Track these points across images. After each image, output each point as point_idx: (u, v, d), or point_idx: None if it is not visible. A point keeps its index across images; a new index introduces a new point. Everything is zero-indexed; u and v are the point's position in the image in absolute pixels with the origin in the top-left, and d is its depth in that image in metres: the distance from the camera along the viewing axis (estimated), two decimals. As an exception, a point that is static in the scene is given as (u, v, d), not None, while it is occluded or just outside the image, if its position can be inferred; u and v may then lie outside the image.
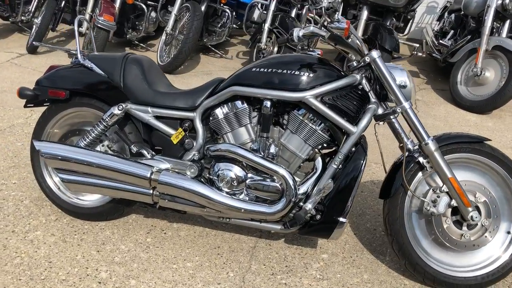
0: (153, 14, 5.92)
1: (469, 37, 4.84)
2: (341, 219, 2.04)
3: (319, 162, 2.19)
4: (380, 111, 2.12)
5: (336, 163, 2.09)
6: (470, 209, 2.04)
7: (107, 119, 2.24)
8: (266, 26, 4.81)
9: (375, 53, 2.03)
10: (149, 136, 2.32)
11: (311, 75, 2.06)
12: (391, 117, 2.10)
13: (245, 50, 6.24)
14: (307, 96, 2.04)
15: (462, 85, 4.59)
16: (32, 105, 2.45)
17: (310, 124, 2.10)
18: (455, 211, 2.11)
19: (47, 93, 2.36)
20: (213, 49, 5.78)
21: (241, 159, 2.11)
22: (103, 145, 2.35)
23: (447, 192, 2.06)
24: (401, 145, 2.18)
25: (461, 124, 4.29)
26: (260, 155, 2.11)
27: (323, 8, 1.91)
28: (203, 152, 2.24)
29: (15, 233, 2.38)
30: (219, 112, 2.21)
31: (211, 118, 2.24)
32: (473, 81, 4.50)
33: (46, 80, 2.37)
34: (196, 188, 2.09)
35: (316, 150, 2.18)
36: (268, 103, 2.11)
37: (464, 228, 2.11)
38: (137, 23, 5.70)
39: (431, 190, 2.11)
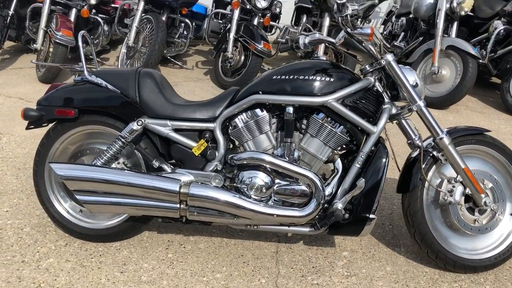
0: (105, 27, 5.76)
1: (421, 38, 5.18)
2: (370, 216, 2.13)
3: (338, 163, 2.27)
4: (393, 110, 2.24)
5: (359, 162, 2.18)
6: (483, 195, 2.21)
7: (126, 136, 2.19)
8: (231, 35, 4.86)
9: (390, 56, 2.15)
10: (167, 150, 2.29)
11: (331, 79, 2.14)
12: (406, 115, 2.23)
13: (203, 60, 6.24)
14: (330, 100, 2.12)
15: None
16: (33, 126, 2.33)
17: (330, 127, 2.18)
18: (466, 198, 2.28)
19: (53, 113, 2.25)
20: (173, 60, 5.73)
21: (269, 165, 2.15)
22: (118, 163, 2.28)
23: (461, 182, 2.23)
24: (410, 141, 2.32)
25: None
26: (287, 161, 2.16)
27: (347, 15, 2.00)
28: (224, 162, 2.25)
29: (26, 263, 2.24)
30: (239, 121, 2.24)
31: (230, 127, 2.25)
32: (430, 79, 4.82)
33: (51, 100, 2.26)
34: (228, 198, 2.10)
35: (335, 151, 2.27)
36: (291, 109, 2.16)
37: (476, 213, 2.28)
38: (92, 37, 5.51)
39: (445, 181, 2.26)
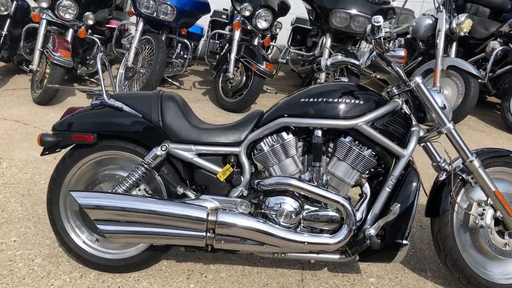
0: (100, 48, 5.67)
1: (420, 58, 5.22)
2: (403, 241, 2.08)
3: (366, 187, 2.22)
4: (421, 133, 2.21)
5: (389, 186, 2.13)
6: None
7: (149, 162, 2.10)
8: (233, 55, 4.82)
9: (419, 79, 2.12)
10: (189, 175, 2.21)
11: (360, 102, 2.10)
12: (434, 138, 2.20)
13: (200, 80, 6.18)
14: (360, 123, 2.07)
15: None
16: (47, 152, 2.23)
17: (358, 150, 2.13)
18: (496, 221, 2.24)
19: (71, 138, 2.15)
20: (170, 80, 5.66)
21: (299, 191, 2.08)
22: (139, 189, 2.19)
23: (491, 205, 2.19)
24: (435, 164, 2.29)
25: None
26: (318, 186, 2.10)
27: (381, 38, 1.97)
28: (249, 187, 2.18)
29: (41, 297, 2.11)
30: (265, 144, 2.17)
31: (255, 151, 2.19)
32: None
33: (69, 124, 2.16)
34: (258, 226, 2.02)
35: (363, 175, 2.21)
36: (319, 132, 2.11)
37: (506, 237, 2.24)
38: (88, 57, 5.42)
39: (474, 204, 2.22)
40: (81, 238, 2.28)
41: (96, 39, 5.27)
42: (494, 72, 4.98)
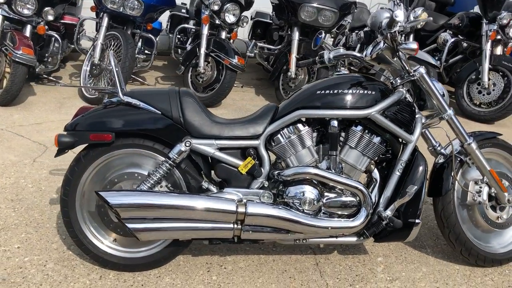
0: (56, 44, 5.44)
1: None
2: (416, 220, 2.24)
3: (376, 173, 2.36)
4: (423, 119, 2.38)
5: (399, 171, 2.28)
6: (506, 193, 2.41)
7: (174, 158, 2.11)
8: (202, 50, 4.81)
9: (422, 69, 2.29)
10: (208, 169, 2.24)
11: (372, 92, 2.23)
12: (435, 124, 2.38)
13: (162, 75, 6.09)
14: (373, 112, 2.21)
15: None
16: (62, 153, 2.17)
17: (369, 138, 2.26)
18: (489, 197, 2.47)
19: (87, 138, 2.11)
20: (133, 76, 5.53)
21: (320, 179, 2.18)
22: (161, 186, 2.19)
23: (486, 183, 2.41)
24: (431, 148, 2.48)
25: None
26: (337, 173, 2.21)
27: (396, 32, 2.10)
28: (267, 178, 2.25)
29: (65, 302, 2.07)
30: (282, 136, 2.25)
31: (273, 143, 2.26)
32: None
33: (85, 124, 2.11)
34: (286, 215, 2.10)
35: (372, 161, 2.35)
36: (336, 123, 2.22)
37: (498, 211, 2.48)
38: (46, 55, 5.17)
39: (471, 183, 2.43)
40: (99, 239, 2.24)
41: (56, 36, 5.05)
42: (447, 62, 5.35)
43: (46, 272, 2.24)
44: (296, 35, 4.90)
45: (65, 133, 2.12)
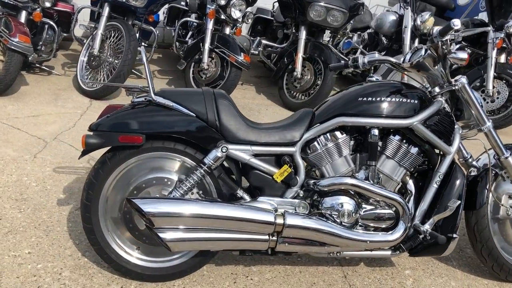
0: (49, 32, 5.19)
1: (383, 53, 5.44)
2: (454, 235, 2.17)
3: (411, 184, 2.28)
4: (460, 131, 2.31)
5: (437, 183, 2.21)
6: (540, 209, 2.37)
7: (210, 164, 1.98)
8: (207, 46, 4.66)
9: (464, 80, 2.21)
10: (240, 176, 2.12)
11: (414, 101, 2.15)
12: (473, 136, 2.32)
13: (159, 69, 5.90)
14: (415, 122, 2.12)
15: (389, 96, 5.16)
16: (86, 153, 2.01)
17: (406, 148, 2.18)
18: (519, 212, 2.43)
19: (116, 140, 1.96)
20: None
21: (360, 190, 2.08)
22: (192, 193, 2.05)
23: (521, 197, 2.37)
24: (461, 160, 2.42)
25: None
26: (377, 185, 2.12)
27: (448, 40, 2.02)
28: (302, 187, 2.14)
29: (87, 315, 1.92)
30: (319, 144, 2.15)
31: (309, 151, 2.16)
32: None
33: (113, 124, 1.97)
34: (326, 228, 2.00)
35: (408, 173, 2.27)
36: (376, 131, 2.13)
37: (529, 225, 2.44)
38: (40, 43, 4.93)
39: (504, 196, 2.38)
40: (122, 248, 2.10)
41: (52, 23, 4.81)
42: (451, 68, 5.34)
43: (62, 281, 2.09)
44: (303, 34, 4.80)
45: (92, 133, 1.96)
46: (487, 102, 5.01)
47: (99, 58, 4.58)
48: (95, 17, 5.27)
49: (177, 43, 5.26)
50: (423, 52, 2.18)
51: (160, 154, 2.05)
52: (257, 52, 5.34)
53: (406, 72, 2.42)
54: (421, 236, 2.16)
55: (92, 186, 2.02)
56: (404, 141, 2.20)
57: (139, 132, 1.97)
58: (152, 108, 2.02)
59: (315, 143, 2.15)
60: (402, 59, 2.32)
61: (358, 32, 5.92)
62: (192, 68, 4.89)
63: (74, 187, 2.89)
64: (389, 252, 2.21)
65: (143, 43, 5.36)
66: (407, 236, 2.17)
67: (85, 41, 4.96)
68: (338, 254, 2.17)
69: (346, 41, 5.35)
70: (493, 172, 2.35)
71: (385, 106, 2.12)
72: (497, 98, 4.91)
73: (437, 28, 2.07)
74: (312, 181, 2.12)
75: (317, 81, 4.79)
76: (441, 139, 2.19)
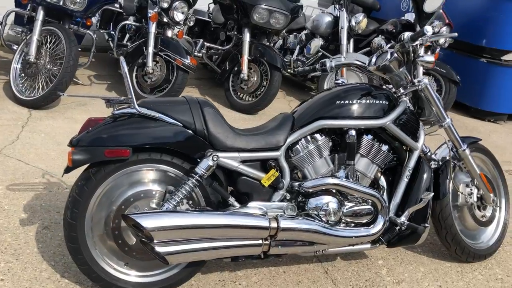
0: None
1: (319, 54, 5.66)
2: (426, 224, 2.34)
3: (383, 180, 2.42)
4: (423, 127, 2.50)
5: (407, 177, 2.37)
6: (491, 194, 2.63)
7: (202, 173, 1.97)
8: (150, 49, 4.55)
9: (426, 80, 2.39)
10: (228, 183, 2.14)
11: (385, 102, 2.30)
12: (434, 131, 2.51)
13: (94, 74, 5.65)
14: (388, 122, 2.27)
15: (330, 94, 5.38)
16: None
17: (378, 146, 2.33)
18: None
19: (102, 154, 1.89)
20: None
21: (343, 189, 2.19)
22: (182, 203, 2.03)
23: (475, 185, 2.61)
24: (421, 154, 2.62)
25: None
26: (357, 183, 2.23)
27: (418, 45, 2.18)
28: (287, 190, 2.21)
29: None
30: (301, 147, 2.22)
31: (292, 154, 2.22)
32: (338, 90, 5.33)
33: (97, 138, 1.89)
34: (318, 228, 2.08)
35: (380, 169, 2.41)
36: (353, 132, 2.25)
37: (482, 210, 2.69)
38: (-36, 49, 4.54)
39: (461, 185, 2.61)
40: (111, 265, 2.03)
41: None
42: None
43: (47, 307, 1.98)
44: (247, 37, 4.85)
45: (75, 149, 1.87)
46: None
47: (36, 66, 4.31)
48: (24, 21, 4.94)
49: (116, 48, 5.07)
50: (388, 56, 2.32)
51: (147, 166, 2.01)
52: (200, 55, 5.31)
53: (370, 75, 2.58)
54: (397, 228, 2.31)
55: (77, 203, 1.93)
56: (376, 140, 2.34)
57: (125, 145, 1.91)
58: (137, 119, 1.97)
59: (297, 146, 2.22)
60: (367, 62, 2.46)
61: (294, 33, 6.08)
62: (135, 72, 4.76)
63: (34, 204, 2.72)
64: (369, 245, 2.34)
65: (93, 50, 5.10)
66: (385, 229, 2.31)
67: (14, 47, 4.64)
68: (323, 251, 2.25)
69: (308, 45, 5.50)
70: (452, 164, 2.57)
71: (361, 108, 2.24)
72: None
73: (408, 34, 2.22)
74: (297, 183, 2.19)
75: (263, 83, 4.87)
76: (409, 136, 2.35)
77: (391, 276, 2.49)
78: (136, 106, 1.95)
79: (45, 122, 4.01)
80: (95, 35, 4.89)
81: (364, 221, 2.27)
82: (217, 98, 5.42)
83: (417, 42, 2.20)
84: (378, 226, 2.24)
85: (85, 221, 1.95)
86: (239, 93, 5.06)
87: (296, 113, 2.29)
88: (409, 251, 2.76)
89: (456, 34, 2.26)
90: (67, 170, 1.91)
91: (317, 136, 2.24)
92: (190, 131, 2.00)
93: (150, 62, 4.57)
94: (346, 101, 2.24)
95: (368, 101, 2.26)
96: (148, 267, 2.09)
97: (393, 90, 2.45)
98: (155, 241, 1.81)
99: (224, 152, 2.05)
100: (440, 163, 2.57)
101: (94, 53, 4.90)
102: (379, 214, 2.26)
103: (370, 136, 2.32)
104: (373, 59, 2.42)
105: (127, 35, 5.43)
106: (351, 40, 5.48)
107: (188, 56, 4.53)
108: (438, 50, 5.57)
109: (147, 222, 1.77)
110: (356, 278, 2.44)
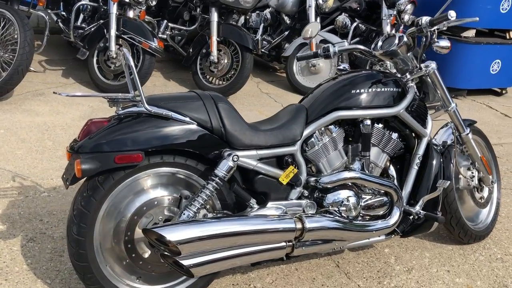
0: None
1: (286, 33, 5.52)
2: (438, 213, 2.32)
3: (392, 170, 2.37)
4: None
5: (417, 165, 2.33)
6: (491, 176, 2.66)
7: (223, 175, 1.80)
8: (113, 32, 4.21)
9: (434, 65, 2.33)
10: (245, 183, 1.99)
11: (397, 89, 2.23)
12: (439, 116, 2.48)
13: (46, 59, 5.18)
14: (402, 110, 2.20)
15: (299, 75, 5.27)
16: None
17: (389, 135, 2.26)
18: (472, 180, 2.69)
19: (112, 161, 1.68)
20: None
21: (362, 182, 2.11)
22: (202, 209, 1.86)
23: (476, 168, 2.62)
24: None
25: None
26: (374, 175, 2.16)
27: (435, 30, 2.09)
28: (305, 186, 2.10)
29: None
30: (316, 140, 2.11)
31: (307, 148, 2.10)
32: (307, 71, 5.22)
33: (105, 143, 1.67)
34: (341, 224, 1.99)
35: (389, 158, 2.35)
36: (369, 122, 2.16)
37: (480, 191, 2.72)
38: None
39: (462, 169, 2.61)
40: (123, 281, 1.84)
41: None
42: (349, 44, 5.63)
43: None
44: (215, 17, 4.60)
45: (82, 157, 1.64)
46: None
47: (-15, 54, 3.86)
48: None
49: (73, 30, 4.65)
50: (397, 40, 2.23)
51: (159, 171, 1.82)
52: (165, 36, 5.00)
53: (374, 60, 2.49)
54: (411, 218, 2.27)
55: (84, 217, 1.71)
56: (386, 128, 2.27)
57: (138, 149, 1.71)
58: (146, 119, 1.77)
59: (312, 139, 2.10)
60: (372, 47, 2.36)
61: (257, 12, 5.89)
62: (95, 57, 4.41)
63: (11, 213, 2.44)
64: (383, 237, 2.29)
65: (46, 33, 4.62)
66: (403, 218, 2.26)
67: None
68: (341, 247, 2.18)
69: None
70: (454, 149, 2.55)
71: (375, 96, 2.15)
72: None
73: (426, 18, 2.13)
74: (313, 178, 2.08)
75: (234, 65, 4.68)
76: (419, 123, 2.30)
77: (400, 265, 2.47)
78: (146, 105, 1.74)
79: (1, 116, 3.62)
80: (47, 17, 4.46)
81: (381, 213, 2.21)
82: (183, 82, 5.17)
83: (436, 27, 2.13)
84: (395, 217, 2.18)
85: (94, 236, 1.74)
86: (208, 76, 4.84)
87: (308, 104, 2.16)
88: (411, 237, 2.75)
89: (477, 18, 2.21)
90: (73, 181, 1.67)
91: (332, 127, 2.13)
92: (205, 130, 1.82)
93: (113, 46, 4.25)
94: (361, 90, 2.14)
95: (381, 89, 2.17)
96: (162, 279, 1.92)
97: (398, 75, 2.37)
98: (183, 255, 1.64)
99: (242, 151, 1.89)
100: (441, 147, 2.55)
101: (48, 37, 4.47)
102: (394, 205, 2.21)
103: (381, 125, 2.25)
104: (379, 43, 2.32)
105: (81, 16, 5.01)
106: (318, 19, 5.37)
107: (154, 39, 4.24)
108: (401, 27, 5.60)
109: (174, 235, 1.59)
110: (368, 269, 2.40)
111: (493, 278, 2.45)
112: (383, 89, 2.18)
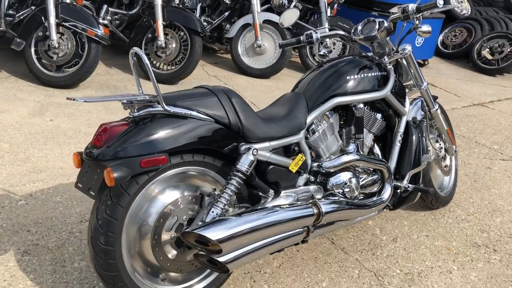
0: None
1: (226, 14, 5.47)
2: (420, 184, 2.52)
3: (376, 148, 2.53)
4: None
5: (399, 142, 2.50)
6: (454, 146, 2.92)
7: (245, 170, 1.81)
8: (52, 19, 3.91)
9: (410, 47, 2.49)
10: (258, 174, 2.02)
11: (382, 73, 2.36)
12: (413, 94, 2.66)
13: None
14: (388, 92, 2.34)
15: (245, 56, 5.26)
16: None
17: (375, 116, 2.41)
18: (436, 151, 2.94)
19: (138, 165, 1.63)
20: None
21: (359, 163, 2.23)
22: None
23: (443, 140, 2.86)
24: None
25: (267, 89, 5.00)
26: (368, 155, 2.29)
27: (421, 15, 2.22)
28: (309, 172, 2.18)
29: None
30: (316, 126, 2.19)
31: (309, 134, 2.17)
32: (252, 52, 5.23)
33: (129, 148, 1.62)
34: (350, 205, 2.11)
35: (374, 137, 2.50)
36: (362, 105, 2.27)
37: (445, 161, 2.98)
38: None
39: (432, 141, 2.83)
40: (152, 285, 1.81)
41: None
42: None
43: None
44: (159, 1, 4.44)
45: (111, 165, 1.58)
46: (325, 54, 5.59)
47: None
48: None
49: (6, 18, 4.23)
50: (377, 26, 2.35)
51: (180, 170, 1.79)
52: (106, 22, 4.73)
53: (352, 44, 2.59)
54: (399, 191, 2.45)
55: (112, 226, 1.65)
56: (372, 110, 2.40)
57: (162, 151, 1.67)
58: (165, 120, 1.72)
59: (313, 126, 2.17)
60: (352, 31, 2.46)
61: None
62: (33, 48, 4.08)
63: (-6, 226, 2.26)
64: (376, 212, 2.44)
65: None
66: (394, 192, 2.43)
67: None
68: (343, 225, 2.30)
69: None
70: (424, 123, 2.77)
71: (367, 81, 2.27)
72: (333, 49, 5.54)
73: (413, 5, 2.25)
74: (315, 163, 2.17)
75: (182, 49, 4.58)
76: (400, 102, 2.46)
77: (386, 235, 2.66)
78: (165, 105, 1.69)
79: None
80: (-29, 4, 4.03)
81: (375, 189, 2.36)
82: (125, 68, 4.97)
83: (422, 13, 2.26)
84: (387, 192, 2.34)
85: (122, 244, 1.69)
86: (155, 62, 4.69)
87: (305, 92, 2.22)
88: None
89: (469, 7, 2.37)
90: (101, 190, 1.60)
91: (329, 113, 2.22)
92: (223, 126, 1.82)
93: (54, 35, 3.96)
94: (354, 76, 2.24)
95: (370, 74, 2.29)
96: (185, 278, 1.92)
97: (377, 58, 2.50)
98: (224, 252, 1.65)
99: (257, 143, 1.91)
100: (413, 123, 2.75)
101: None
102: (385, 182, 2.36)
103: (368, 107, 2.37)
104: (359, 28, 2.42)
105: (6, 2, 4.57)
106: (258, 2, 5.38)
107: (100, 26, 4.02)
108: (336, 5, 5.80)
109: (216, 234, 1.60)
110: (360, 243, 2.56)
111: (464, 237, 2.74)
112: (371, 74, 2.30)
